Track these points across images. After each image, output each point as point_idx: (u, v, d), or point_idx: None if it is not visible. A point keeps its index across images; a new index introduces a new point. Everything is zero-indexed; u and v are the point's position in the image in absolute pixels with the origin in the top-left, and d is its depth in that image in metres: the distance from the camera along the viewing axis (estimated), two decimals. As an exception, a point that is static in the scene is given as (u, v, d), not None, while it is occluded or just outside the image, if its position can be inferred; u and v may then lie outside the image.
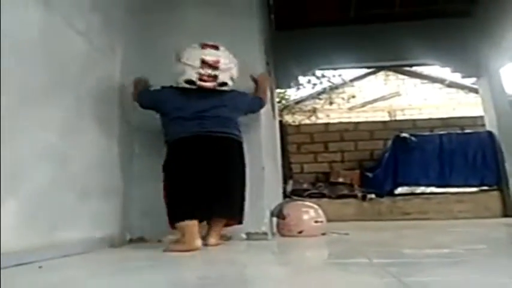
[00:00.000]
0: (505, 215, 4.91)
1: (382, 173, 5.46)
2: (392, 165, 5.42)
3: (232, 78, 2.27)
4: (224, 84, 2.23)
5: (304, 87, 9.13)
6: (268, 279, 1.19)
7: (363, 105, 10.43)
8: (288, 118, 9.02)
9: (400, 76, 10.70)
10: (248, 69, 2.64)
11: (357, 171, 5.93)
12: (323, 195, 5.37)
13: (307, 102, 10.11)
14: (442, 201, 5.17)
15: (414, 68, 10.00)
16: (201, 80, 2.17)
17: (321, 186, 5.65)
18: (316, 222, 2.73)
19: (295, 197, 5.00)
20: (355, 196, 5.35)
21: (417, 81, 10.65)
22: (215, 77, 2.19)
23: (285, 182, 5.41)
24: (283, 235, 2.71)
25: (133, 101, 2.43)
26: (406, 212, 5.15)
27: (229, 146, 2.19)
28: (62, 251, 1.76)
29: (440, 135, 5.61)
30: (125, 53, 2.65)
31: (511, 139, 5.11)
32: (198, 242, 1.94)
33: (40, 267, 1.45)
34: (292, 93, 9.47)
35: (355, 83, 10.55)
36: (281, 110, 8.07)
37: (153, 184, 2.48)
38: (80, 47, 2.13)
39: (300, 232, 2.66)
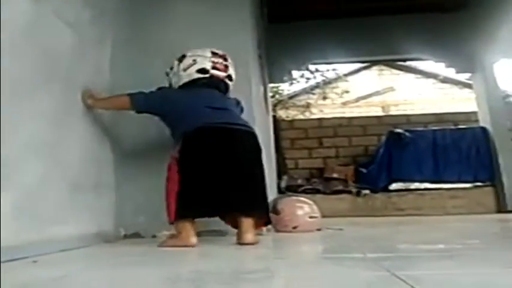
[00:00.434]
0: (499, 211, 4.96)
1: (376, 168, 5.49)
2: (386, 161, 5.44)
3: (234, 76, 2.25)
4: (231, 78, 2.22)
5: (297, 81, 9.14)
6: (263, 273, 1.19)
7: (357, 100, 10.46)
8: (282, 113, 9.01)
9: (394, 71, 10.74)
10: (240, 62, 2.64)
11: (351, 167, 5.95)
12: (317, 191, 5.39)
13: (300, 97, 10.11)
14: (436, 197, 5.20)
15: (408, 63, 10.05)
16: (214, 68, 2.14)
17: (315, 182, 5.66)
18: (310, 217, 2.74)
19: (289, 193, 5.01)
20: (349, 192, 5.37)
21: (411, 76, 10.70)
22: (226, 67, 2.18)
23: (280, 177, 5.42)
24: (278, 230, 2.72)
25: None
26: (400, 207, 5.18)
27: (248, 139, 2.08)
28: (56, 246, 1.75)
29: (434, 131, 5.64)
30: (114, 46, 2.61)
31: (505, 135, 5.16)
32: (194, 239, 1.90)
33: (35, 261, 1.45)
34: (286, 88, 9.47)
35: (349, 78, 10.57)
36: (274, 105, 8.06)
37: (148, 179, 2.49)
38: (69, 39, 2.09)
39: (295, 227, 2.67)
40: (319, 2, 5.30)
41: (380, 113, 9.59)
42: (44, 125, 1.82)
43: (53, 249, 1.71)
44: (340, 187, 5.46)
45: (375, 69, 10.73)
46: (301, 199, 2.97)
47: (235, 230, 1.99)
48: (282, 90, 9.42)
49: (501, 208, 4.97)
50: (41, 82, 1.83)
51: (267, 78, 4.83)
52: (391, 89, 10.53)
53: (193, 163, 1.96)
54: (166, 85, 2.27)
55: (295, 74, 6.81)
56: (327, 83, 9.97)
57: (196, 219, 1.98)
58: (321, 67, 8.95)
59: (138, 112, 2.19)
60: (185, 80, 2.15)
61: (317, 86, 9.97)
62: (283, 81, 6.20)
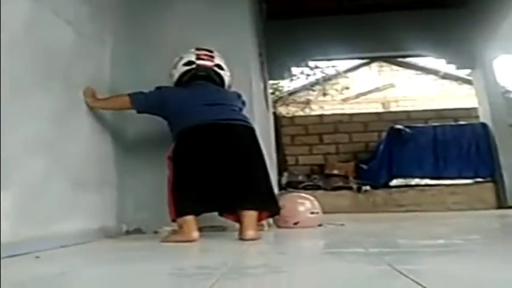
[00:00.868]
0: (499, 207, 4.97)
1: (377, 165, 5.50)
2: (387, 157, 5.45)
3: (226, 67, 2.28)
4: (220, 67, 2.25)
5: (297, 78, 9.14)
6: (265, 268, 1.20)
7: (357, 96, 10.45)
8: (282, 110, 9.02)
9: (394, 67, 10.72)
10: (240, 60, 2.65)
11: (352, 163, 5.97)
12: (318, 187, 5.40)
13: (300, 94, 10.11)
14: (436, 193, 5.21)
15: (408, 59, 10.02)
16: (199, 58, 2.21)
17: (315, 178, 5.67)
18: (312, 213, 2.75)
19: (290, 189, 5.02)
20: (350, 188, 5.38)
21: (411, 72, 10.68)
22: (212, 57, 2.24)
23: (280, 174, 5.43)
24: (279, 226, 2.73)
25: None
26: (401, 204, 5.19)
27: (246, 133, 2.10)
28: (59, 242, 1.76)
29: (435, 127, 5.65)
30: (114, 43, 2.61)
31: (505, 131, 5.16)
32: (196, 234, 1.92)
33: (37, 257, 1.45)
34: (286, 85, 9.47)
35: (349, 74, 10.55)
36: (275, 102, 8.07)
37: (149, 176, 2.51)
38: (69, 37, 2.10)
39: (296, 223, 2.68)
40: (319, -1, 5.29)
41: (380, 110, 9.59)
42: (45, 123, 1.83)
43: (55, 245, 1.72)
44: (341, 183, 5.47)
45: (374, 66, 10.71)
46: (303, 195, 2.99)
47: (237, 226, 2.00)
48: (282, 86, 9.42)
49: (501, 204, 4.98)
50: (41, 80, 1.83)
51: (266, 75, 4.83)
52: (391, 85, 10.52)
53: (187, 160, 2.00)
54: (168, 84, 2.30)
55: (295, 70, 6.81)
56: (326, 79, 9.97)
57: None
58: (320, 64, 8.95)
59: (139, 112, 2.23)
60: (176, 76, 2.24)
61: (317, 82, 9.97)
62: (283, 78, 6.20)
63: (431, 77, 10.57)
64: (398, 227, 2.85)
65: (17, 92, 1.64)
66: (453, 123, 5.89)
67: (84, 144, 2.18)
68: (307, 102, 9.78)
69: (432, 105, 8.49)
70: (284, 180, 5.54)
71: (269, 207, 2.06)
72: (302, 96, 10.02)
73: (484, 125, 5.31)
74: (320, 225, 2.73)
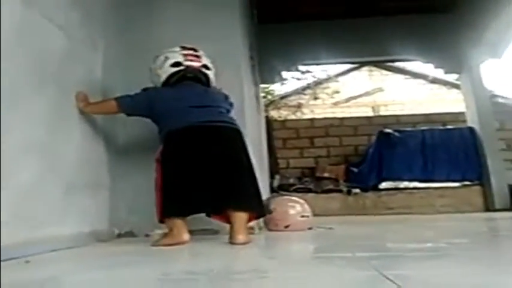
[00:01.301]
0: (487, 210, 5.03)
1: (367, 168, 5.54)
2: (376, 161, 5.50)
3: (211, 66, 2.27)
4: (207, 67, 2.24)
5: (289, 82, 9.18)
6: (254, 273, 1.21)
7: (347, 100, 10.52)
8: (274, 113, 9.04)
9: (384, 72, 10.82)
10: (232, 64, 2.66)
11: (342, 166, 6.01)
12: (309, 190, 5.42)
13: (292, 98, 10.15)
14: (424, 196, 5.27)
15: (397, 64, 10.12)
16: (187, 60, 2.18)
17: (307, 181, 5.70)
18: (302, 216, 2.77)
19: (282, 192, 5.04)
20: (340, 191, 5.41)
21: (400, 76, 10.78)
22: (199, 58, 2.22)
23: (272, 177, 5.44)
24: (270, 229, 2.74)
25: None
26: (390, 206, 5.23)
27: (233, 136, 2.11)
28: (49, 246, 1.76)
29: (423, 131, 5.71)
30: (106, 47, 2.62)
31: (492, 135, 5.25)
32: (186, 236, 1.93)
33: (27, 261, 1.45)
34: (277, 89, 9.50)
35: (339, 79, 10.63)
36: (266, 105, 8.09)
37: (141, 179, 2.50)
38: (60, 41, 2.10)
39: (287, 226, 2.70)
40: (309, 4, 5.33)
41: (370, 113, 9.66)
42: (37, 127, 1.83)
43: (46, 249, 1.72)
44: (331, 186, 5.50)
45: (364, 70, 10.80)
46: (293, 198, 3.00)
47: (228, 229, 2.00)
48: (274, 90, 9.45)
49: (489, 207, 5.04)
50: (34, 85, 1.83)
51: (258, 79, 4.84)
52: (380, 89, 10.61)
53: (174, 162, 2.00)
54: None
55: (286, 74, 6.83)
56: (318, 83, 10.03)
57: (189, 217, 2.00)
58: (311, 68, 9.00)
59: (128, 115, 2.25)
60: (164, 77, 2.19)
61: (308, 86, 10.03)
62: (274, 82, 6.22)
63: (420, 81, 10.68)
64: (387, 230, 2.88)
65: (10, 97, 1.64)
66: (441, 127, 5.95)
67: (76, 147, 2.18)
68: (299, 106, 9.82)
69: (421, 109, 8.60)
70: (276, 183, 5.56)
71: (255, 208, 2.06)
72: (293, 100, 10.06)
73: (471, 129, 5.38)
74: (310, 228, 2.75)
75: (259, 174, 2.28)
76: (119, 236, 2.49)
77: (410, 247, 1.78)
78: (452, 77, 8.36)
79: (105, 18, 2.65)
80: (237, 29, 2.91)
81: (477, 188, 5.23)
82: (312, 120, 7.06)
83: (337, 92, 10.31)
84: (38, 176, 1.79)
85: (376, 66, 10.49)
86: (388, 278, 0.97)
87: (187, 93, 2.13)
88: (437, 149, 5.44)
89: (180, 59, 2.18)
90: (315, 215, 2.93)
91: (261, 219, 2.76)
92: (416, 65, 9.68)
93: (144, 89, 2.20)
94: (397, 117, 6.77)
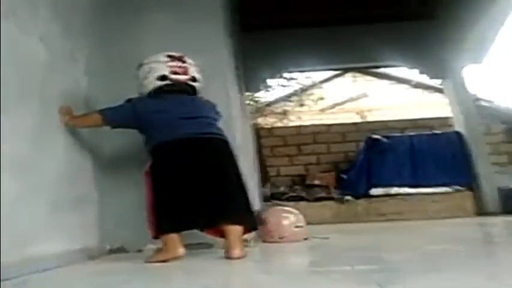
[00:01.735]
0: (479, 214, 5.05)
1: (356, 174, 5.54)
2: (365, 167, 5.49)
3: (199, 77, 2.20)
4: (195, 79, 2.17)
5: (273, 89, 9.21)
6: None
7: (332, 107, 10.58)
8: (260, 121, 9.04)
9: (368, 77, 10.92)
10: (217, 75, 2.63)
11: (333, 173, 6.00)
12: (301, 198, 5.38)
13: (278, 105, 10.16)
14: (416, 202, 5.26)
15: (381, 70, 10.23)
16: (173, 73, 2.10)
17: (297, 189, 5.67)
18: (296, 227, 2.73)
19: (274, 201, 5.01)
20: (332, 198, 5.39)
21: (385, 82, 10.90)
22: (186, 70, 2.13)
23: (262, 185, 5.41)
24: (264, 241, 2.70)
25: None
26: (382, 213, 5.22)
27: (222, 147, 2.07)
28: (38, 266, 1.70)
29: (411, 136, 5.73)
30: (88, 59, 2.58)
31: (480, 139, 5.31)
32: (181, 250, 1.88)
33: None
34: (263, 96, 9.51)
35: (324, 85, 10.69)
36: (252, 113, 8.07)
37: (130, 192, 2.44)
38: (41, 54, 2.06)
39: (281, 238, 2.65)
40: (292, 12, 5.35)
41: (357, 120, 9.72)
42: (21, 142, 1.78)
43: (35, 269, 1.66)
44: (323, 194, 5.47)
45: (348, 76, 10.89)
46: (287, 209, 2.97)
47: (222, 242, 1.97)
48: (259, 97, 9.45)
49: (480, 211, 5.05)
50: (15, 98, 1.78)
51: (243, 87, 4.82)
52: (365, 95, 10.71)
53: (165, 177, 1.95)
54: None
55: (271, 82, 6.83)
56: (303, 90, 10.06)
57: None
58: (295, 75, 9.03)
59: (113, 127, 2.18)
60: (149, 88, 2.12)
61: (294, 93, 10.06)
62: (259, 90, 6.22)
63: (404, 86, 10.81)
64: (382, 239, 2.86)
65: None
66: (429, 132, 6.00)
67: (61, 162, 2.13)
68: (285, 113, 9.83)
69: (406, 114, 8.67)
70: (267, 192, 5.51)
71: (248, 222, 2.03)
72: (279, 107, 10.07)
73: (458, 134, 5.43)
74: (306, 238, 2.71)
75: (250, 183, 2.25)
76: (110, 251, 2.43)
77: (409, 258, 1.76)
78: (435, 82, 8.48)
79: (86, 29, 2.61)
80: (221, 40, 2.88)
81: (468, 192, 5.24)
82: (298, 127, 7.06)
83: (322, 99, 10.36)
84: (22, 193, 1.73)
85: (360, 72, 10.58)
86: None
87: (174, 104, 2.07)
88: (426, 154, 5.46)
89: (166, 71, 2.09)
90: (307, 223, 2.88)
91: (255, 231, 2.74)
92: (400, 71, 9.80)
93: (128, 100, 2.13)
94: (384, 123, 6.80)
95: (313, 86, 10.28)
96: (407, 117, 7.19)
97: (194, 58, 2.24)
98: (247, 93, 5.89)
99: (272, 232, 2.67)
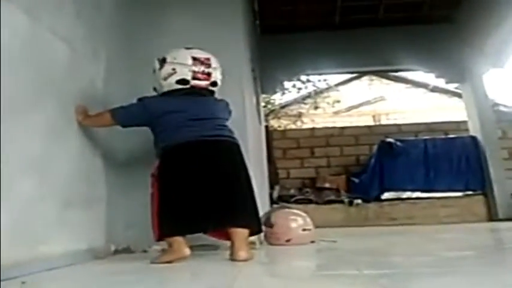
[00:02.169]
0: (490, 220, 4.97)
1: (368, 178, 5.49)
2: (378, 171, 5.45)
3: (220, 80, 2.16)
4: (215, 84, 2.13)
5: (289, 91, 9.18)
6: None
7: (348, 109, 10.51)
8: (274, 123, 9.03)
9: (384, 81, 10.82)
10: (234, 77, 2.62)
11: (343, 177, 5.96)
12: (310, 201, 5.36)
13: (292, 107, 10.15)
14: (427, 206, 5.21)
15: (398, 73, 10.12)
16: (195, 78, 2.04)
17: (307, 192, 5.64)
18: (304, 230, 2.70)
19: (282, 203, 4.98)
20: (341, 202, 5.34)
21: (401, 85, 10.78)
22: (209, 75, 2.07)
23: (272, 187, 5.39)
24: (271, 244, 2.68)
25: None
26: (393, 217, 5.17)
27: (232, 150, 2.04)
28: (46, 265, 1.70)
29: (425, 140, 5.67)
30: (108, 59, 2.59)
31: (494, 144, 5.21)
32: (187, 250, 1.86)
33: (23, 282, 1.39)
34: (277, 98, 9.50)
35: (340, 88, 10.62)
36: (267, 115, 8.07)
37: (138, 193, 2.43)
38: (64, 54, 2.08)
39: (288, 240, 2.63)
40: (311, 15, 5.36)
41: (371, 123, 9.63)
42: (36, 141, 1.79)
43: (42, 268, 1.66)
44: (333, 197, 5.44)
45: (365, 79, 10.80)
46: (295, 211, 2.94)
47: (228, 244, 1.94)
48: (274, 99, 9.45)
49: (492, 217, 4.98)
50: (35, 98, 1.80)
51: (259, 89, 4.82)
52: (382, 98, 10.60)
53: (172, 179, 1.93)
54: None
55: (287, 84, 6.80)
56: (318, 92, 10.02)
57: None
58: (312, 77, 9.00)
59: (123, 126, 2.16)
60: (165, 89, 2.08)
61: (308, 95, 10.03)
62: (275, 92, 6.24)
63: (421, 90, 10.68)
64: (392, 243, 2.82)
65: (13, 110, 1.61)
66: (443, 136, 5.91)
67: (74, 161, 2.13)
68: (299, 116, 9.81)
69: (422, 118, 8.56)
70: (275, 193, 5.50)
71: (254, 225, 2.00)
72: (294, 110, 10.06)
73: (473, 138, 5.35)
74: (313, 241, 2.69)
75: (259, 185, 2.23)
76: (116, 252, 2.43)
77: (418, 262, 1.73)
78: (452, 86, 8.36)
79: (107, 30, 2.63)
80: (239, 42, 2.89)
81: (480, 197, 5.18)
82: (312, 129, 7.03)
83: (338, 102, 10.30)
84: (34, 192, 1.73)
85: (376, 75, 10.49)
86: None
87: (186, 105, 2.04)
88: (439, 158, 5.40)
89: (188, 76, 2.03)
90: (316, 226, 2.86)
91: (262, 234, 2.72)
92: (417, 74, 9.69)
93: (140, 99, 2.11)
94: (398, 126, 6.74)
95: (328, 88, 10.24)
96: (422, 121, 7.09)
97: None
98: (264, 95, 5.89)
99: (279, 234, 2.65)
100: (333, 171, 6.24)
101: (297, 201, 5.27)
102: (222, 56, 2.31)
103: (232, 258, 1.85)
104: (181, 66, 2.04)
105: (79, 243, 2.09)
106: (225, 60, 2.30)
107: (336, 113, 10.40)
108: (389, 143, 5.54)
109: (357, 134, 6.58)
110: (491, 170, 5.08)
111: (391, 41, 5.31)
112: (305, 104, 10.17)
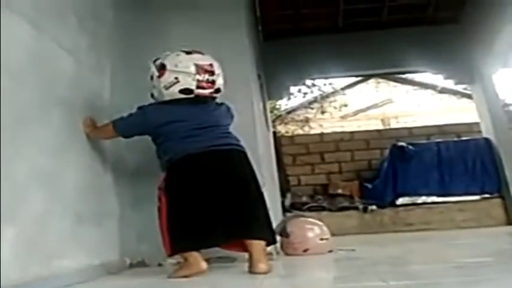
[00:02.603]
0: (509, 223, 4.85)
1: (382, 183, 5.40)
2: (391, 176, 5.35)
3: (223, 85, 2.09)
4: (219, 91, 2.06)
5: (295, 96, 9.15)
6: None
7: (356, 113, 10.44)
8: (281, 128, 8.99)
9: (391, 83, 10.75)
10: (241, 85, 2.59)
11: (356, 182, 5.87)
12: (323, 208, 5.27)
13: (298, 112, 10.11)
14: (444, 211, 5.10)
15: (405, 75, 10.05)
16: (199, 87, 1.96)
17: (320, 199, 5.56)
18: (321, 239, 2.63)
19: (295, 211, 4.91)
20: (355, 208, 5.26)
21: (409, 87, 10.71)
22: (213, 83, 2.00)
23: (283, 195, 5.32)
24: (287, 254, 2.62)
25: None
26: (409, 222, 5.07)
27: (240, 159, 1.98)
28: (60, 282, 1.66)
29: (438, 143, 5.57)
30: (113, 71, 2.59)
31: (509, 145, 5.10)
32: (204, 265, 1.81)
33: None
34: (284, 103, 9.47)
35: (346, 91, 10.57)
36: (273, 121, 8.03)
37: (151, 205, 2.39)
38: (70, 66, 2.07)
39: (305, 250, 2.57)
40: (315, 18, 5.32)
41: (379, 126, 9.55)
42: (44, 155, 1.76)
43: (56, 285, 1.62)
44: (346, 203, 5.35)
45: (371, 82, 10.74)
46: (311, 220, 2.88)
47: (245, 256, 1.89)
48: (280, 105, 9.42)
49: (511, 220, 4.86)
50: (42, 111, 1.78)
51: (266, 95, 4.78)
52: (390, 101, 10.53)
53: (182, 193, 1.87)
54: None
55: (293, 89, 6.75)
56: (324, 97, 9.98)
57: None
58: (317, 81, 8.96)
59: (125, 137, 2.12)
60: (167, 98, 2.00)
61: (315, 100, 9.98)
62: (281, 98, 6.17)
63: (429, 91, 10.59)
64: (411, 250, 2.75)
65: (18, 124, 1.58)
66: (456, 138, 5.82)
67: (84, 175, 2.10)
68: (306, 121, 9.76)
69: (432, 120, 8.47)
70: (287, 201, 5.42)
71: (268, 236, 1.93)
72: (300, 115, 10.02)
73: (487, 140, 5.25)
74: (331, 251, 2.62)
75: (271, 193, 2.17)
76: (131, 266, 2.38)
77: (441, 271, 1.67)
78: (461, 87, 8.27)
79: (110, 41, 2.63)
80: (245, 50, 2.85)
81: (497, 200, 5.05)
82: (321, 134, 6.96)
83: (345, 105, 10.24)
84: (45, 207, 1.70)
85: (383, 77, 10.41)
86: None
87: (190, 114, 1.97)
88: (453, 161, 5.30)
89: (193, 86, 1.96)
90: (331, 234, 2.79)
91: (277, 244, 2.66)
92: (424, 76, 9.61)
93: (140, 107, 2.05)
94: (409, 130, 6.65)
95: (334, 92, 10.19)
96: (433, 123, 7.00)
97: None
98: (270, 101, 5.85)
99: (296, 244, 2.59)
100: (344, 177, 6.15)
101: (309, 209, 5.19)
102: (229, 63, 2.27)
103: (252, 270, 1.79)
104: (184, 75, 1.95)
105: (92, 258, 2.05)
106: (232, 67, 2.26)
107: (343, 117, 10.34)
108: (402, 146, 5.45)
109: (367, 138, 6.50)
110: (507, 172, 4.96)
111: (398, 43, 5.24)
112: (311, 108, 10.12)
